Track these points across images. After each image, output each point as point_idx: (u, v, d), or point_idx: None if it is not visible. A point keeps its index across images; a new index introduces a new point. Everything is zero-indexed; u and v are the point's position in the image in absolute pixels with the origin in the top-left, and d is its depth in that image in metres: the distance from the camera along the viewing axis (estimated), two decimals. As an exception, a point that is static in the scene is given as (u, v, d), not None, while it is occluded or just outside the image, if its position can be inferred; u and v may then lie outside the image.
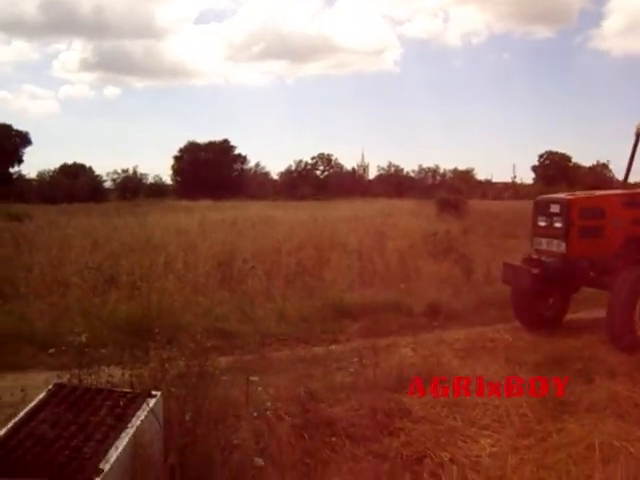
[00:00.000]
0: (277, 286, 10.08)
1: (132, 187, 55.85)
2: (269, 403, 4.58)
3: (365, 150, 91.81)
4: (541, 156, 73.52)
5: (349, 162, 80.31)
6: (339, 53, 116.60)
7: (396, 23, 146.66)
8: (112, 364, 4.76)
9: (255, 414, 4.29)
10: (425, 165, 76.48)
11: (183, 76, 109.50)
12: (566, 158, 71.22)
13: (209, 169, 57.81)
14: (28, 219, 21.54)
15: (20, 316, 7.95)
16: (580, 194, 7.88)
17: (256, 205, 35.85)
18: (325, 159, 72.91)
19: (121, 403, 3.60)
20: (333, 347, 7.41)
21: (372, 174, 77.25)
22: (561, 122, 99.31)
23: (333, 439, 4.35)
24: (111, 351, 6.16)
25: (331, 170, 72.93)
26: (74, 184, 56.16)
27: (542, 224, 7.56)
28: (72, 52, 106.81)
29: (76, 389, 3.77)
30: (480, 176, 74.24)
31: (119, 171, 63.88)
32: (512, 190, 66.63)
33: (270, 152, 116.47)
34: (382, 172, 75.78)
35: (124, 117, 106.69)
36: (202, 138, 64.58)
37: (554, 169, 69.43)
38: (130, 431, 3.36)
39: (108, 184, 63.67)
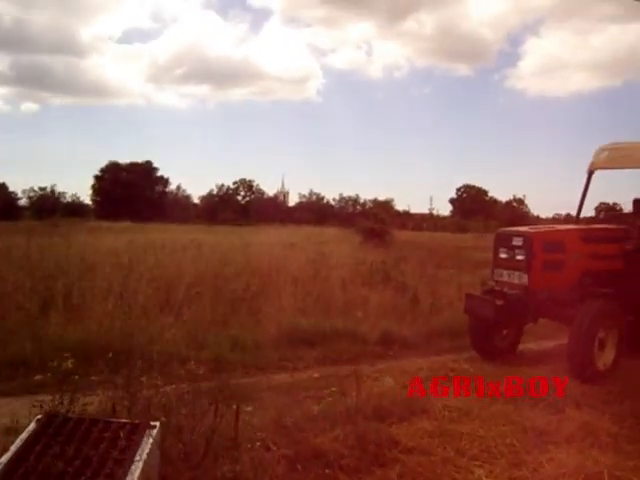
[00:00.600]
0: (223, 312, 9.85)
1: (49, 206, 53.83)
2: (258, 433, 4.39)
3: (285, 177, 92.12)
4: (459, 189, 75.83)
5: (270, 188, 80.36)
6: (263, 80, 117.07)
7: (320, 53, 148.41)
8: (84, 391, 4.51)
9: (249, 445, 4.10)
10: (345, 194, 77.41)
11: (104, 95, 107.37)
12: (482, 192, 73.61)
13: (130, 190, 56.49)
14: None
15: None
16: (541, 228, 8.05)
17: (179, 228, 35.32)
18: (246, 184, 72.64)
19: (121, 434, 3.37)
20: (295, 375, 7.24)
21: (292, 201, 77.67)
22: (478, 157, 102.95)
23: (327, 471, 4.21)
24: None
25: (252, 196, 72.72)
26: (-16, 200, 53.74)
27: (504, 256, 7.68)
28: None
29: (69, 419, 3.51)
30: (398, 207, 75.70)
31: (36, 189, 61.85)
32: (430, 221, 68.19)
33: (191, 175, 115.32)
34: (303, 199, 76.18)
35: (41, 134, 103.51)
36: (122, 158, 63.40)
37: (471, 202, 71.56)
38: (139, 465, 3.14)
39: (23, 202, 61.46)
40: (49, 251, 15.85)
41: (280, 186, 76.65)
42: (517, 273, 7.43)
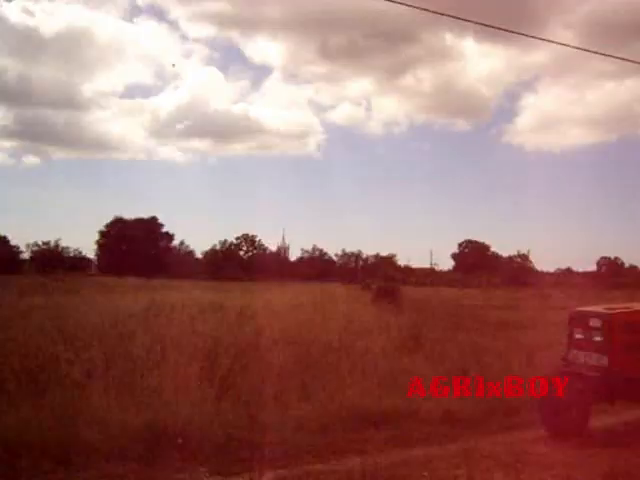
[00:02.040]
0: (275, 387, 9.63)
1: (52, 260, 53.81)
2: None
3: (286, 232, 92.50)
4: (460, 244, 76.23)
5: (271, 243, 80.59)
6: (263, 135, 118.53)
7: (320, 109, 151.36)
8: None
9: None
10: (348, 249, 77.72)
11: (106, 149, 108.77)
12: (484, 247, 74.01)
13: (135, 246, 56.55)
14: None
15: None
16: (617, 308, 7.97)
17: (186, 285, 35.15)
18: (249, 240, 72.98)
19: None
20: (369, 460, 7.04)
21: (293, 255, 77.83)
22: (477, 212, 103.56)
23: None
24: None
25: (254, 251, 72.95)
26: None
27: (579, 337, 7.57)
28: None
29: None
30: (400, 262, 75.88)
31: (39, 243, 61.94)
32: (433, 276, 68.32)
33: (192, 230, 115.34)
34: (305, 255, 76.52)
35: (43, 187, 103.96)
36: (123, 213, 63.56)
37: (473, 257, 71.83)
38: None
39: (25, 255, 61.51)
40: (73, 315, 15.61)
41: (281, 241, 76.94)
42: (595, 355, 7.31)
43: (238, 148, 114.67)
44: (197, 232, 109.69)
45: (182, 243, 70.27)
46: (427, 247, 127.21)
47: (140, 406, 8.16)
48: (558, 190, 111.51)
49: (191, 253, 70.91)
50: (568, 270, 76.55)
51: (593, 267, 77.92)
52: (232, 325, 14.69)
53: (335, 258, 76.61)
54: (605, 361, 7.23)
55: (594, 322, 7.44)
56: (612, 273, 69.08)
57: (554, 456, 7.06)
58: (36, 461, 6.46)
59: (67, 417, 7.42)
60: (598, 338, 7.35)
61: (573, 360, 7.72)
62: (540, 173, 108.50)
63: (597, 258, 78.43)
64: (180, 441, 6.76)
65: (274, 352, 11.79)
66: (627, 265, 74.92)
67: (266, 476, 5.71)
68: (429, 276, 67.48)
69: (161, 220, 64.13)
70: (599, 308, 7.89)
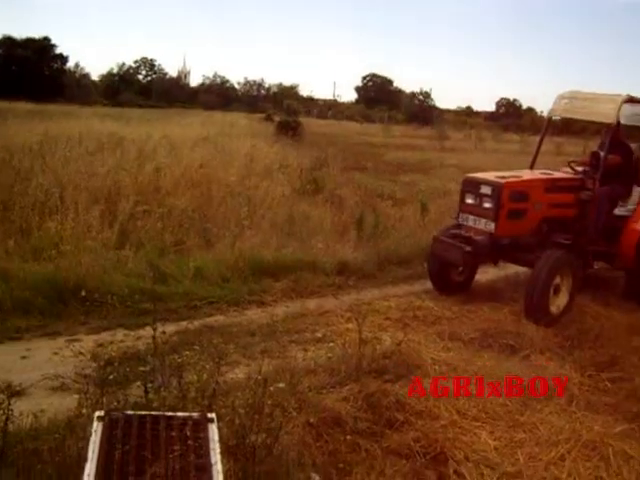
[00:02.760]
0: (175, 234, 9.72)
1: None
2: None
3: (186, 56, 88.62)
4: (364, 77, 75.60)
5: (171, 68, 77.28)
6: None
7: None
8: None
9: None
10: (250, 77, 75.78)
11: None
12: (388, 82, 73.79)
13: (27, 68, 52.73)
14: None
15: None
16: (508, 176, 8.06)
17: (84, 111, 33.60)
18: (148, 63, 69.55)
19: (188, 432, 3.49)
20: (269, 311, 7.45)
21: (194, 81, 75.25)
22: (384, 46, 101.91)
23: (347, 437, 4.52)
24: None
25: (154, 75, 69.83)
26: None
27: (470, 202, 7.90)
28: None
29: (129, 416, 3.57)
30: (302, 92, 74.89)
31: None
32: (335, 109, 67.98)
33: (88, 52, 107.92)
34: (207, 81, 74.03)
35: None
36: (12, 32, 58.65)
37: (376, 91, 71.74)
38: (218, 467, 3.29)
39: None
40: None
41: (182, 65, 73.94)
42: (484, 220, 7.68)
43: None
44: (92, 54, 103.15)
45: (77, 65, 66.25)
46: (330, 79, 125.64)
47: (40, 255, 8.14)
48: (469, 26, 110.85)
49: (86, 76, 67.05)
50: (468, 109, 78.19)
51: (492, 107, 79.74)
52: (132, 164, 14.39)
53: (237, 86, 74.70)
54: (492, 227, 7.61)
55: (485, 189, 7.69)
56: (510, 114, 71.03)
57: (439, 312, 7.66)
58: None
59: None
60: (487, 205, 7.62)
61: (463, 223, 8.05)
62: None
63: (497, 98, 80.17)
64: (83, 294, 6.81)
65: (175, 195, 11.80)
66: (525, 107, 76.98)
67: (168, 328, 5.90)
68: (331, 107, 67.28)
69: (54, 41, 60.02)
70: (490, 175, 8.10)
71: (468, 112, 74.64)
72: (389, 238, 10.69)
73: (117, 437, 3.41)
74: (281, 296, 8.05)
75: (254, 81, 75.01)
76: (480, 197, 7.72)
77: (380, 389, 5.07)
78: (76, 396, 4.09)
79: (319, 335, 6.64)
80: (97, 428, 3.46)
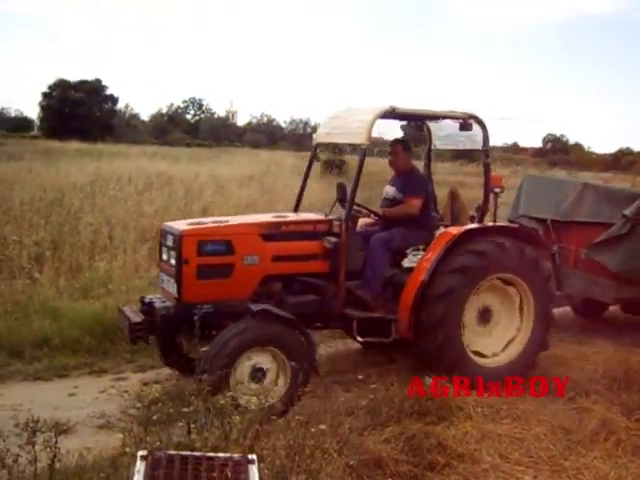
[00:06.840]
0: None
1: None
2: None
3: (234, 97, 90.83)
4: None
5: (219, 107, 79.20)
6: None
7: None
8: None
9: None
10: (296, 117, 77.36)
11: None
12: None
13: (79, 108, 54.63)
14: None
15: None
16: (209, 222, 6.39)
17: (135, 150, 34.29)
18: (196, 103, 71.61)
19: (228, 474, 3.53)
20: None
21: (241, 120, 77.07)
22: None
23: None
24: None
25: (202, 115, 71.71)
26: None
27: (164, 257, 6.11)
28: None
29: (172, 456, 3.64)
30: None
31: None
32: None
33: (137, 94, 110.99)
34: (253, 120, 75.75)
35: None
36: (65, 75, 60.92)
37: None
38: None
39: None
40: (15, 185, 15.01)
41: (229, 105, 75.82)
42: (172, 281, 5.87)
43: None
44: (143, 96, 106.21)
45: (127, 106, 68.45)
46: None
47: (89, 293, 8.36)
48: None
49: (136, 116, 69.18)
50: (515, 145, 77.75)
51: (539, 143, 79.22)
52: (180, 203, 14.68)
53: (283, 125, 76.42)
54: (175, 289, 5.75)
55: (169, 240, 5.91)
56: (557, 150, 70.33)
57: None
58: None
59: (18, 307, 7.60)
60: (172, 260, 5.82)
61: (162, 285, 6.19)
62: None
63: (544, 134, 79.38)
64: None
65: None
66: (572, 142, 76.19)
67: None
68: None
69: (105, 82, 62.16)
70: (180, 223, 6.24)
71: (515, 149, 74.14)
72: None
73: (159, 477, 3.48)
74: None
75: (300, 119, 76.70)
76: (168, 251, 5.98)
77: (422, 431, 5.03)
78: (120, 435, 4.14)
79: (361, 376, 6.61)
80: (140, 467, 3.53)
